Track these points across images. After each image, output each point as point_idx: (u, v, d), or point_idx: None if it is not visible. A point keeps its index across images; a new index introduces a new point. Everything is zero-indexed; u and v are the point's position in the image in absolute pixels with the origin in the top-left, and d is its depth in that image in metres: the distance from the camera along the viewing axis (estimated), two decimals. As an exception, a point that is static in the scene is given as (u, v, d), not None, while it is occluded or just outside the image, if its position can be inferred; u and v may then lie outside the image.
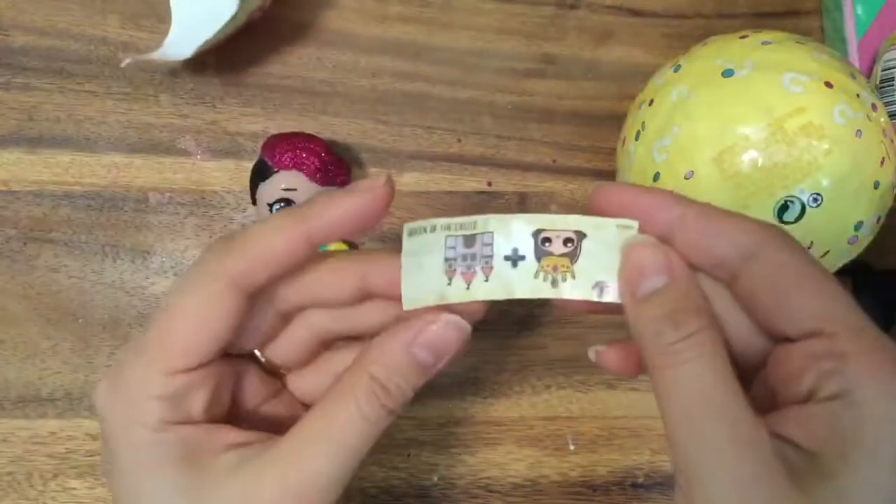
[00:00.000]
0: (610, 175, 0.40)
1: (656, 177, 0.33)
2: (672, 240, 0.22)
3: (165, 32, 0.35)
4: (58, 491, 0.35)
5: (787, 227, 0.30)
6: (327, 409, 0.22)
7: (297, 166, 0.34)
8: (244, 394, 0.24)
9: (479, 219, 0.22)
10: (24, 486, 0.35)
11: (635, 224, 0.22)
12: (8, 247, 0.37)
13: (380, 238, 0.39)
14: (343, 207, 0.22)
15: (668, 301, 0.21)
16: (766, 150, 0.30)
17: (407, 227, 0.22)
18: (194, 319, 0.21)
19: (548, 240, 0.22)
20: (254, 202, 0.36)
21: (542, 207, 0.40)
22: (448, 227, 0.22)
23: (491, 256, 0.22)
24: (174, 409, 0.21)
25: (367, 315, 0.24)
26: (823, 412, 0.19)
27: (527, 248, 0.22)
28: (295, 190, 0.34)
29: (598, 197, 0.22)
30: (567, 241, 0.22)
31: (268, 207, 0.34)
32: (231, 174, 0.39)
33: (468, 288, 0.22)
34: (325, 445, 0.21)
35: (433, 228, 0.22)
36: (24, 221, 0.37)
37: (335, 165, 0.36)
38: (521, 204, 0.40)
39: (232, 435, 0.22)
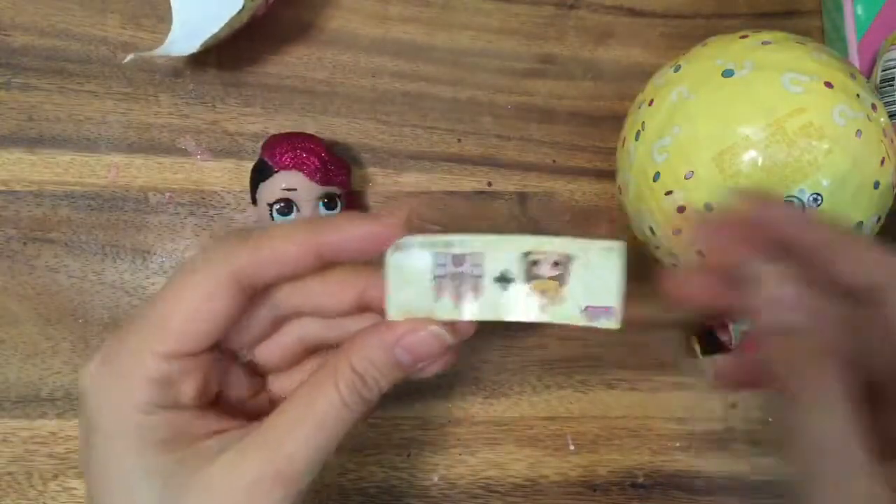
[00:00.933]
0: (610, 175, 0.40)
1: (656, 177, 0.33)
2: (811, 264, 0.21)
3: (166, 32, 0.35)
4: (58, 491, 0.35)
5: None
6: (309, 394, 0.22)
7: (297, 166, 0.34)
8: (227, 389, 0.25)
9: (468, 238, 0.22)
10: (24, 486, 0.35)
11: (618, 245, 0.22)
12: (8, 247, 0.37)
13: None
14: (359, 229, 0.22)
15: (806, 339, 0.20)
16: (766, 150, 0.30)
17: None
18: (192, 307, 0.21)
19: (536, 262, 0.22)
20: (254, 202, 0.36)
21: (543, 207, 0.40)
22: (434, 245, 0.22)
23: (480, 277, 0.22)
24: (164, 392, 0.21)
25: (360, 327, 0.24)
26: None
27: (516, 270, 0.22)
28: (295, 190, 0.34)
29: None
30: (555, 263, 0.22)
31: (268, 207, 0.34)
32: (231, 174, 0.39)
33: (456, 307, 0.22)
34: (305, 428, 0.21)
35: (421, 245, 0.22)
36: (24, 221, 0.37)
37: (335, 165, 0.36)
38: (522, 204, 0.40)
39: (215, 422, 0.22)
